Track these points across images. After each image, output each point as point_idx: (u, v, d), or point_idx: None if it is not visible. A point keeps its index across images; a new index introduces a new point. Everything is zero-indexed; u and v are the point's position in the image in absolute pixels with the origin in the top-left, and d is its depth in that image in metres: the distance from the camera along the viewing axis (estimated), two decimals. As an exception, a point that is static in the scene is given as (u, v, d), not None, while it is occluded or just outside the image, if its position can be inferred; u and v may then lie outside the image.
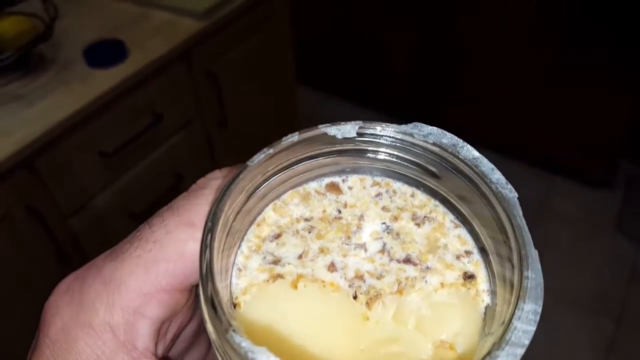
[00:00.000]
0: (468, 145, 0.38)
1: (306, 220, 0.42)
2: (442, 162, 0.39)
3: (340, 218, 0.43)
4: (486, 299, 0.38)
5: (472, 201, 0.39)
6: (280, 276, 0.39)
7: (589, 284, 1.71)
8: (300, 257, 0.40)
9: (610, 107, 2.01)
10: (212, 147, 1.99)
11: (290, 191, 0.43)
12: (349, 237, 0.42)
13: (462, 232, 0.41)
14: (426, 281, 0.39)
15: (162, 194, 1.73)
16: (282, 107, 2.34)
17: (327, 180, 0.44)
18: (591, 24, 1.95)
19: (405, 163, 0.42)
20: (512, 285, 0.34)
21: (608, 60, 1.96)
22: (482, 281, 0.39)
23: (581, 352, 1.62)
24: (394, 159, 0.42)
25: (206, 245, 0.33)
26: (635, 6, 1.84)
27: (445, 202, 0.42)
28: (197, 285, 0.40)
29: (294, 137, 0.39)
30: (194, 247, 0.39)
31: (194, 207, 0.41)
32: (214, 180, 0.44)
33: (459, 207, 0.41)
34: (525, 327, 0.29)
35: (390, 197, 0.43)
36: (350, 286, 0.39)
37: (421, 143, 0.39)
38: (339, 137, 0.40)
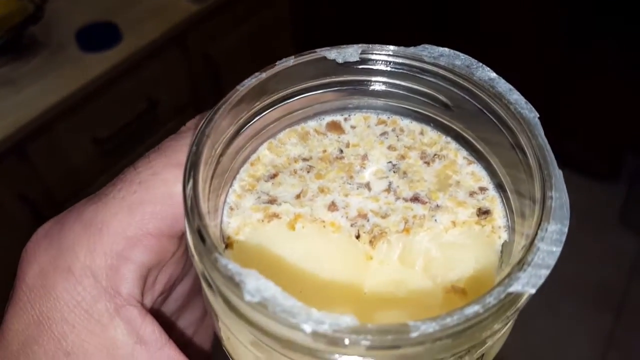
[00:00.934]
0: (483, 66, 0.34)
1: (304, 160, 0.39)
2: (455, 88, 0.36)
3: (342, 158, 0.39)
4: (503, 236, 0.35)
5: (488, 129, 0.36)
6: (276, 215, 0.36)
7: (590, 276, 1.69)
8: (298, 196, 0.37)
9: (615, 100, 1.99)
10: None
11: (287, 129, 0.40)
12: (351, 177, 0.38)
13: (477, 168, 0.38)
14: (436, 220, 0.36)
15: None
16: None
17: (328, 118, 0.41)
18: (595, 14, 1.93)
19: (414, 95, 0.39)
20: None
21: (614, 53, 1.94)
22: (499, 217, 0.36)
23: (581, 343, 1.60)
24: (401, 91, 0.39)
25: (190, 170, 0.30)
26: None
27: (458, 138, 0.39)
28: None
29: (289, 60, 0.36)
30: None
31: (183, 148, 0.39)
32: None
33: (474, 142, 0.38)
34: (549, 248, 0.26)
35: (397, 136, 0.40)
36: (352, 225, 0.36)
37: (431, 68, 0.36)
38: (340, 61, 0.37)
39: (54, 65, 1.39)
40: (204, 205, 0.29)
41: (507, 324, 0.26)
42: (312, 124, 0.41)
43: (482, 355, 0.29)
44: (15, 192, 1.37)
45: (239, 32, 1.85)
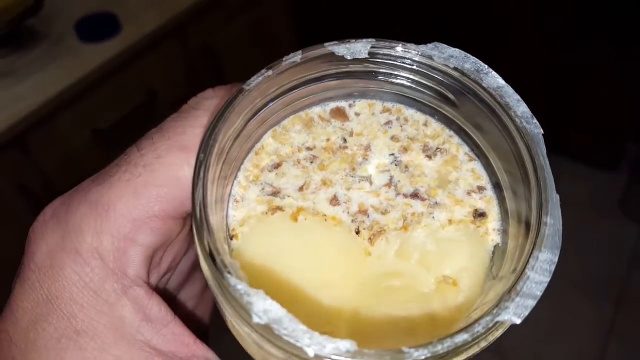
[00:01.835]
0: (493, 72, 0.34)
1: (308, 149, 0.40)
2: (462, 88, 0.36)
3: (345, 147, 0.40)
4: (496, 238, 0.37)
5: (491, 132, 0.37)
6: (279, 208, 0.38)
7: (590, 266, 1.70)
8: (301, 188, 0.39)
9: (617, 89, 1.93)
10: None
11: (291, 116, 0.41)
12: (353, 169, 0.40)
13: (477, 165, 0.39)
14: (433, 217, 0.38)
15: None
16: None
17: (332, 104, 0.41)
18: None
19: (420, 88, 0.39)
20: (527, 225, 0.33)
21: (616, 42, 1.86)
22: (493, 219, 0.37)
23: (581, 333, 1.63)
24: (407, 83, 0.39)
25: (198, 185, 0.31)
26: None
27: (460, 132, 0.40)
28: (192, 215, 0.39)
29: (296, 56, 0.35)
30: (189, 172, 0.37)
31: (186, 130, 0.39)
32: (207, 100, 0.41)
33: (475, 138, 0.39)
34: (538, 278, 0.28)
35: (401, 126, 0.41)
36: (353, 221, 0.38)
37: (440, 67, 0.36)
38: (348, 57, 0.36)
39: (54, 56, 1.38)
40: (212, 219, 0.31)
41: (491, 342, 0.29)
42: (316, 110, 0.41)
43: None
44: (15, 182, 1.38)
45: (239, 22, 1.77)
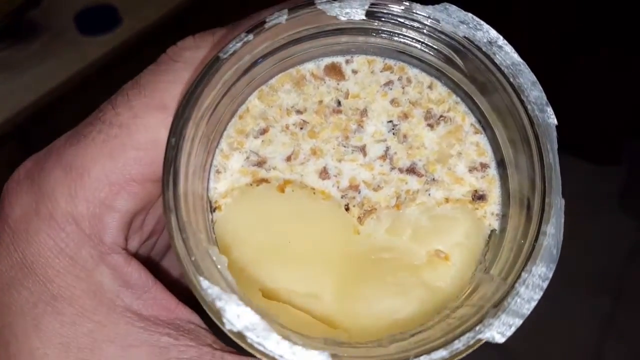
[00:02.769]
0: (508, 46, 0.30)
1: (298, 112, 0.37)
2: (474, 62, 0.32)
3: (339, 112, 0.37)
4: (493, 224, 0.35)
5: (501, 107, 0.33)
6: (265, 181, 0.36)
7: (589, 261, 1.67)
8: (288, 158, 0.37)
9: (616, 83, 1.76)
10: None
11: (280, 74, 0.37)
12: (347, 137, 0.37)
13: (482, 139, 0.36)
14: (429, 194, 0.36)
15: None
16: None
17: (327, 60, 0.37)
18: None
19: (425, 49, 0.35)
20: (528, 208, 0.31)
21: (616, 37, 1.65)
22: (493, 203, 0.35)
23: (579, 328, 1.64)
24: (411, 42, 0.35)
25: (169, 183, 0.29)
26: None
27: (468, 99, 0.36)
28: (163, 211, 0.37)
29: (281, 17, 0.31)
30: (167, 133, 0.35)
31: (165, 86, 0.36)
32: (187, 50, 0.37)
33: (483, 108, 0.35)
34: (529, 294, 0.27)
35: (403, 87, 0.37)
36: (343, 197, 0.36)
37: (450, 33, 0.31)
38: (342, 18, 0.32)
39: (54, 49, 1.36)
40: (186, 215, 0.29)
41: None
42: (309, 66, 0.37)
43: None
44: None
45: (239, 15, 1.61)
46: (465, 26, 0.31)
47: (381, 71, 0.37)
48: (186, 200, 0.31)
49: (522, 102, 0.30)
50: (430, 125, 0.37)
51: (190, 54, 0.37)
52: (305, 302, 0.37)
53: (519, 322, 0.27)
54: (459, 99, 0.37)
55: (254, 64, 0.34)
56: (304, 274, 0.37)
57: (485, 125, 0.36)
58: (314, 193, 0.36)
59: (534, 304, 0.27)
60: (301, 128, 0.37)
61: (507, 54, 0.30)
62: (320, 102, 0.37)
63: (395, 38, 0.35)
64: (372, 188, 0.36)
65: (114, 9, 1.47)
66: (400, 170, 0.36)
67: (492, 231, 0.35)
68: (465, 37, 0.31)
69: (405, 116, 0.37)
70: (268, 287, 0.36)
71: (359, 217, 0.36)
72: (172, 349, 0.35)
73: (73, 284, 0.35)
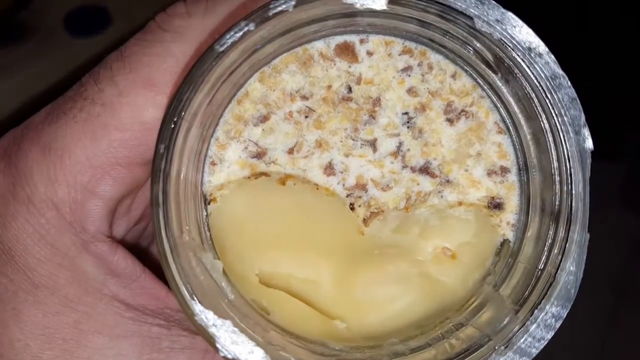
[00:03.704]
0: (549, 55, 0.26)
1: (304, 98, 0.34)
2: (505, 62, 0.28)
3: (349, 100, 0.34)
4: (508, 234, 0.34)
5: (530, 112, 0.30)
6: (264, 174, 0.34)
7: (591, 257, 1.62)
8: (291, 151, 0.34)
9: (616, 77, 1.60)
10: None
11: (285, 54, 0.33)
12: (356, 130, 0.34)
13: (505, 140, 0.33)
14: (442, 196, 0.34)
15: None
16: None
17: (339, 39, 0.33)
18: None
19: (452, 40, 0.31)
20: (550, 216, 0.29)
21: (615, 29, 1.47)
22: (511, 212, 0.33)
23: (581, 324, 1.62)
24: (438, 29, 0.31)
25: (159, 177, 0.27)
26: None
27: (494, 94, 0.33)
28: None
29: (288, 3, 0.27)
30: (155, 113, 0.33)
31: (152, 61, 0.33)
32: (178, 18, 0.34)
33: (509, 107, 0.32)
34: (540, 334, 0.26)
35: (423, 75, 0.34)
36: (348, 195, 0.34)
37: (483, 33, 0.28)
38: (358, 6, 0.28)
39: (44, 50, 1.30)
40: (175, 219, 0.27)
41: None
42: (318, 45, 0.33)
43: None
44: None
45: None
46: (502, 26, 0.27)
47: (400, 54, 0.34)
48: (177, 195, 0.29)
49: (556, 119, 0.27)
50: (450, 120, 0.34)
51: (180, 23, 0.33)
52: (304, 287, 0.36)
53: None
54: (484, 94, 0.33)
55: (256, 50, 0.30)
56: (304, 259, 0.35)
57: (510, 125, 0.33)
58: (317, 189, 0.34)
59: (544, 343, 0.26)
60: (306, 117, 0.34)
61: (547, 65, 0.26)
62: (329, 87, 0.34)
63: (418, 19, 0.31)
64: (380, 187, 0.34)
65: (103, 10, 1.49)
66: (413, 170, 0.34)
67: (505, 241, 0.34)
68: (500, 39, 0.27)
69: (423, 108, 0.34)
70: (266, 272, 0.35)
71: (364, 219, 0.34)
72: (163, 339, 0.35)
73: (55, 273, 0.33)
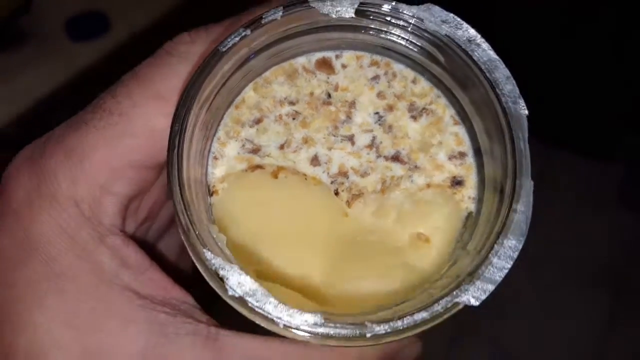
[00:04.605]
0: (485, 44, 0.34)
1: (291, 103, 0.41)
2: (453, 58, 0.36)
3: (329, 103, 0.41)
4: (470, 207, 0.40)
5: (477, 101, 0.38)
6: (259, 167, 0.40)
7: (588, 257, 1.67)
8: (282, 147, 0.40)
9: (613, 77, 1.84)
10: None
11: (274, 68, 0.41)
12: (336, 128, 0.41)
13: (461, 130, 0.41)
14: (412, 180, 0.40)
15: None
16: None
17: (318, 55, 0.41)
18: None
19: (410, 46, 0.39)
20: (501, 192, 0.35)
21: (613, 29, 1.73)
22: (470, 187, 0.40)
23: (580, 325, 1.65)
24: (397, 39, 0.39)
25: (174, 165, 0.33)
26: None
27: (448, 93, 0.41)
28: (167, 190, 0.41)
29: (277, 14, 0.35)
30: (164, 122, 0.39)
31: (162, 78, 0.40)
32: (183, 44, 0.41)
33: (462, 102, 0.40)
34: (501, 264, 0.31)
35: (389, 82, 0.41)
36: (332, 182, 0.40)
37: (431, 31, 0.36)
38: (333, 15, 0.36)
39: (44, 56, 1.37)
40: (189, 196, 0.33)
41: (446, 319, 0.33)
42: (301, 60, 0.41)
43: None
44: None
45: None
46: (446, 25, 0.35)
47: (369, 66, 0.41)
48: (189, 182, 0.34)
49: (496, 94, 0.34)
50: (414, 117, 0.41)
51: (185, 48, 0.40)
52: (296, 282, 0.40)
53: (492, 287, 0.31)
54: (440, 93, 0.41)
55: (250, 58, 0.38)
56: (296, 256, 0.40)
57: (464, 117, 0.40)
58: (306, 179, 0.40)
59: (505, 271, 0.31)
60: (293, 118, 0.41)
61: (484, 51, 0.34)
62: (312, 94, 0.41)
63: (382, 35, 0.39)
64: (359, 174, 0.40)
65: (103, 15, 1.52)
66: (386, 158, 0.40)
67: (469, 213, 0.40)
68: (446, 35, 0.35)
69: (391, 108, 0.41)
70: (262, 269, 0.39)
71: (347, 201, 0.40)
72: (169, 325, 0.39)
73: (75, 263, 0.37)
